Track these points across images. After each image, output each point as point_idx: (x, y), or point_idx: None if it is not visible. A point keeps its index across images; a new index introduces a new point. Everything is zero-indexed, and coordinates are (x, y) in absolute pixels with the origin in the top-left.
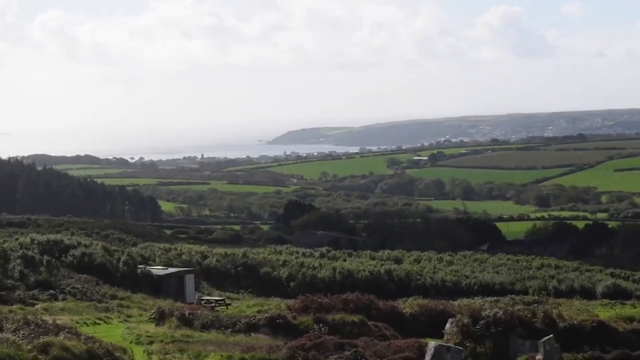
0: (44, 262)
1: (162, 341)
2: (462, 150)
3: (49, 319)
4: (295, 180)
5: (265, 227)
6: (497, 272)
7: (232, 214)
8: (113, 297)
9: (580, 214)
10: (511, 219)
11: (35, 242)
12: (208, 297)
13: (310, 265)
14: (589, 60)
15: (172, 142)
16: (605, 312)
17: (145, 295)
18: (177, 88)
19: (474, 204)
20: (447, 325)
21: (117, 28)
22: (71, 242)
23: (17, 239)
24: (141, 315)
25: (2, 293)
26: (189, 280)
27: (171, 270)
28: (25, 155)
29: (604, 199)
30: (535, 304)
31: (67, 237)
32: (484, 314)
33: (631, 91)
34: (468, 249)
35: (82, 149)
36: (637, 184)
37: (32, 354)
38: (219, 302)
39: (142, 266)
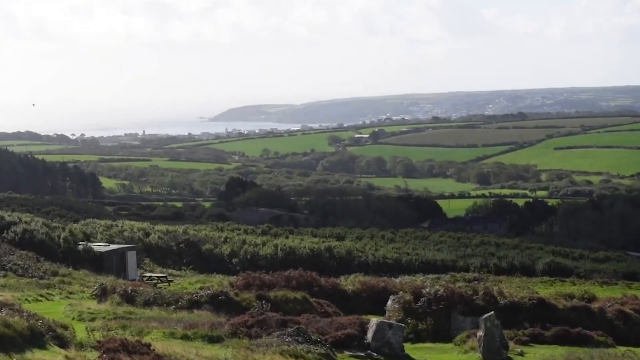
0: None
1: (104, 318)
2: (404, 128)
3: None
4: (237, 158)
5: (207, 204)
6: (439, 250)
7: (173, 191)
8: (55, 273)
9: (520, 191)
10: (452, 196)
11: None
12: (150, 274)
13: (252, 242)
14: (529, 39)
15: (113, 119)
16: (545, 289)
17: (87, 271)
18: (116, 65)
19: (415, 182)
20: (389, 302)
21: (56, 4)
22: (12, 218)
23: None
24: (83, 292)
25: None
26: (131, 257)
27: (113, 247)
28: None
29: (543, 177)
30: (476, 281)
31: (7, 214)
32: (425, 291)
33: (571, 70)
34: (409, 227)
35: (22, 125)
36: (576, 162)
37: None
38: (161, 279)
39: (83, 243)
